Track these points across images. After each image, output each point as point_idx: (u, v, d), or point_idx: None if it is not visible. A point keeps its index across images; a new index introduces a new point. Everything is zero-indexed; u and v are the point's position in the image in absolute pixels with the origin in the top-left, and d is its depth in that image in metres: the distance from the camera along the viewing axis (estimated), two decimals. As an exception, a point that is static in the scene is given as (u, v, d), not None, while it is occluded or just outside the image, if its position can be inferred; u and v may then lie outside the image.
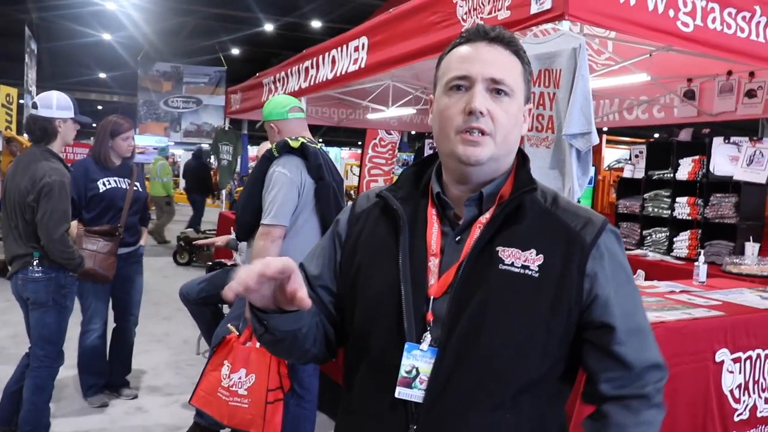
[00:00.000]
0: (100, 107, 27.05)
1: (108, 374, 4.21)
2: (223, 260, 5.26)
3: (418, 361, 1.15)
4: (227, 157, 8.39)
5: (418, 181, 1.30)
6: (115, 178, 3.95)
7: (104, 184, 3.89)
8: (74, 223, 3.81)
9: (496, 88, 1.17)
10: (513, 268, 1.14)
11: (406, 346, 1.15)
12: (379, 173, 9.21)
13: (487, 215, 1.20)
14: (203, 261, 9.44)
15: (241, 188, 9.03)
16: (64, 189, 3.21)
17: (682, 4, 3.00)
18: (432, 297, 1.16)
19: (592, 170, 2.76)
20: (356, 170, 12.55)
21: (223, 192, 9.00)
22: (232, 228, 6.65)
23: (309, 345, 1.26)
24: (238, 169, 8.65)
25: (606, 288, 1.17)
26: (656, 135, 16.57)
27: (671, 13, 2.97)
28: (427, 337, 1.15)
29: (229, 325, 3.09)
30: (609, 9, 2.78)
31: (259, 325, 1.16)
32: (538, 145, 2.79)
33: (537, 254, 1.15)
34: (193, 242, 4.95)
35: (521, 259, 1.15)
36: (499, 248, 1.16)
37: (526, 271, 1.14)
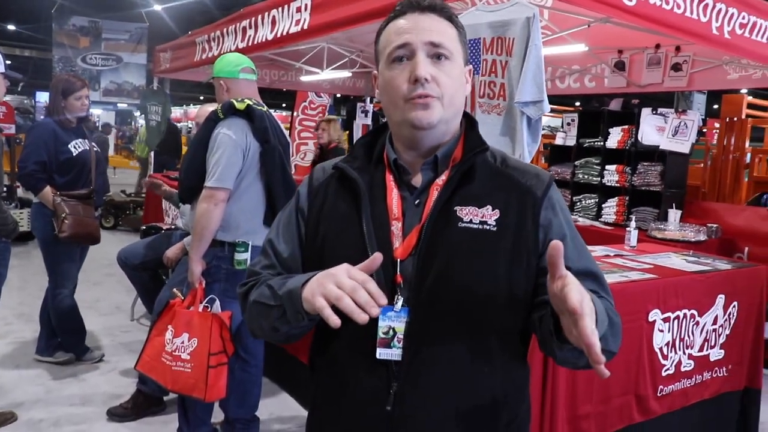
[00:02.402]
0: (9, 62, 25.39)
1: (43, 337, 4.15)
2: (158, 224, 5.12)
3: (393, 321, 1.19)
4: (156, 118, 8.11)
5: (372, 150, 1.34)
6: (81, 140, 3.88)
7: (75, 147, 3.84)
8: (48, 189, 3.75)
9: (437, 53, 1.21)
10: (472, 225, 1.20)
11: (381, 308, 1.19)
12: (309, 136, 9.12)
13: (443, 177, 1.25)
14: (130, 225, 9.17)
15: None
16: None
17: (627, -23, 3.10)
18: (398, 259, 1.20)
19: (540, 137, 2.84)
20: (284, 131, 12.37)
21: (152, 154, 8.70)
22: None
23: None
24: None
25: (559, 233, 1.24)
26: (577, 103, 17.08)
27: (617, -14, 3.06)
28: (399, 298, 1.20)
29: (174, 289, 3.04)
30: (560, -21, 2.84)
31: (309, 322, 1.18)
32: (490, 112, 2.84)
33: (493, 209, 1.21)
34: (161, 187, 4.75)
35: (479, 216, 1.21)
36: (457, 207, 1.21)
37: (485, 227, 1.20)
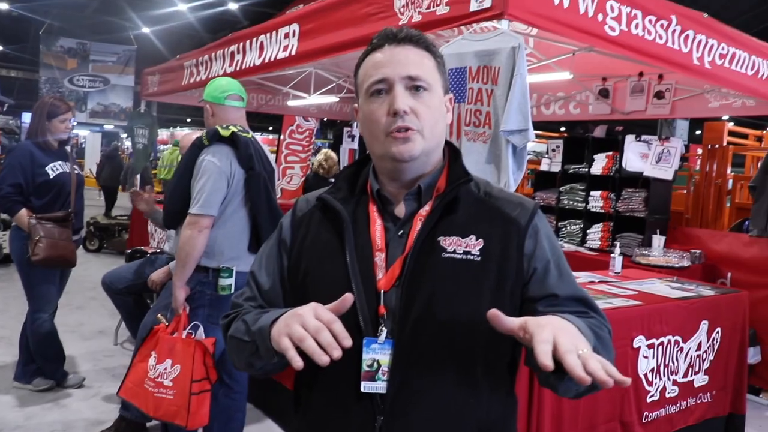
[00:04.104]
0: (-5, 85, 25.28)
1: (21, 363, 4.07)
2: (143, 248, 5.09)
3: (377, 354, 1.18)
4: (142, 141, 8.08)
5: (356, 181, 1.34)
6: (60, 163, 3.84)
7: (53, 169, 3.80)
8: (24, 211, 3.72)
9: (415, 85, 1.21)
10: (455, 255, 1.20)
11: (364, 341, 1.18)
12: (296, 160, 9.12)
13: (427, 208, 1.25)
14: (115, 248, 9.10)
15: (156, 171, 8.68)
16: None
17: (610, 9, 3.16)
18: (382, 291, 1.20)
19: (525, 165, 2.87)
20: (270, 157, 12.36)
21: (138, 176, 8.67)
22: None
23: None
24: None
25: (543, 259, 1.24)
26: (562, 129, 17.25)
27: (600, 17, 3.11)
28: (383, 330, 1.18)
29: (159, 315, 3.02)
30: (545, 10, 2.89)
31: (281, 359, 1.15)
32: (476, 140, 2.87)
33: (477, 239, 1.21)
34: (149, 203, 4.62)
35: (462, 246, 1.20)
36: (441, 238, 1.21)
37: (468, 257, 1.19)
